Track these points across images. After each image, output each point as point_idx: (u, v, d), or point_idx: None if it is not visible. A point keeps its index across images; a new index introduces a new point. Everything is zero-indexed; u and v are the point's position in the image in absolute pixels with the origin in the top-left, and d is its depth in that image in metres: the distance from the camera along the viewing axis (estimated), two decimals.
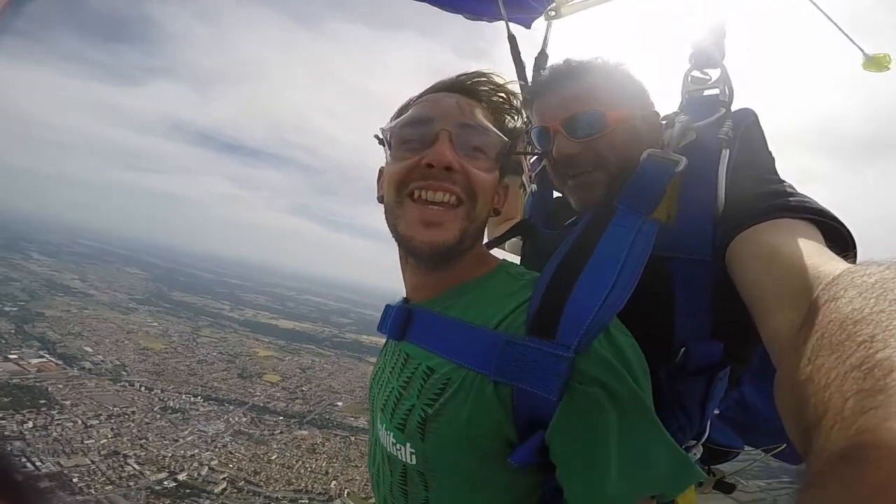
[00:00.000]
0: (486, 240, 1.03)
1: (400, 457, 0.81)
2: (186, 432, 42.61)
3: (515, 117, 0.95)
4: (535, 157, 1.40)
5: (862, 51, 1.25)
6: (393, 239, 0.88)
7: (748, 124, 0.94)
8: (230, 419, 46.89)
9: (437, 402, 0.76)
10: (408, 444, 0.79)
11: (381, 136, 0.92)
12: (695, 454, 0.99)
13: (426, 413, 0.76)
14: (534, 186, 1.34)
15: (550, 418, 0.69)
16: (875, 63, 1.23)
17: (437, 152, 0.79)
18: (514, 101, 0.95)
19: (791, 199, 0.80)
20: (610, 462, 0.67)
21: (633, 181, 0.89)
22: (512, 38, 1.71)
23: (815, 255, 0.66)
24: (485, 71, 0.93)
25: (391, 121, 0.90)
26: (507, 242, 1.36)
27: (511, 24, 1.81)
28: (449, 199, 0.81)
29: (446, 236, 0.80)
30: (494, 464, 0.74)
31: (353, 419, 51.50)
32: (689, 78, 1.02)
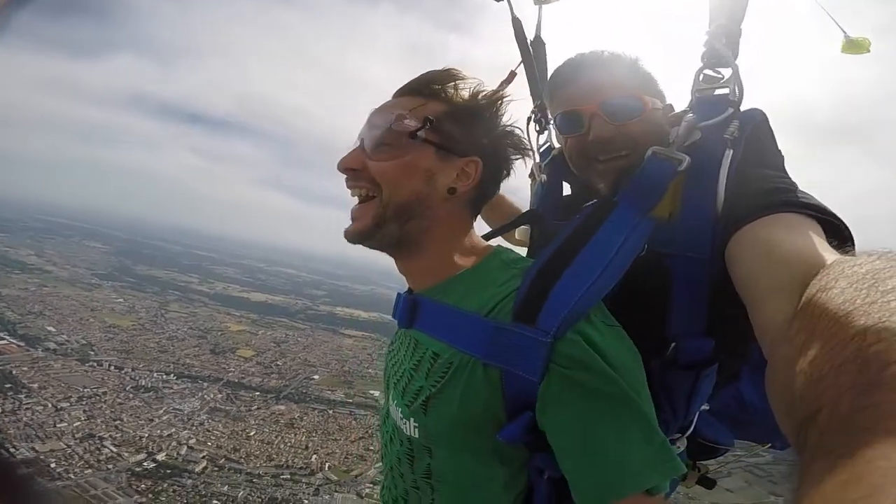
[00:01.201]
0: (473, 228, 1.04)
1: (405, 430, 0.91)
2: (161, 411, 42.15)
3: (443, 96, 0.95)
4: (545, 146, 1.44)
5: (844, 32, 1.22)
6: None
7: (756, 124, 0.95)
8: (205, 396, 46.50)
9: (440, 384, 0.84)
10: (412, 419, 0.88)
11: None
12: (678, 447, 1.06)
13: (430, 392, 0.85)
14: (543, 177, 1.36)
15: (535, 399, 0.76)
16: (856, 46, 1.23)
17: (340, 160, 0.93)
18: (458, 78, 0.96)
19: (790, 195, 0.82)
20: (585, 448, 0.74)
21: (636, 178, 0.91)
22: (517, 22, 1.61)
23: (811, 247, 0.66)
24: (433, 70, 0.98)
25: None
26: (518, 230, 1.40)
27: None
28: (362, 195, 0.93)
29: (359, 226, 0.92)
30: (486, 440, 0.81)
31: (329, 392, 51.86)
32: (701, 76, 1.02)
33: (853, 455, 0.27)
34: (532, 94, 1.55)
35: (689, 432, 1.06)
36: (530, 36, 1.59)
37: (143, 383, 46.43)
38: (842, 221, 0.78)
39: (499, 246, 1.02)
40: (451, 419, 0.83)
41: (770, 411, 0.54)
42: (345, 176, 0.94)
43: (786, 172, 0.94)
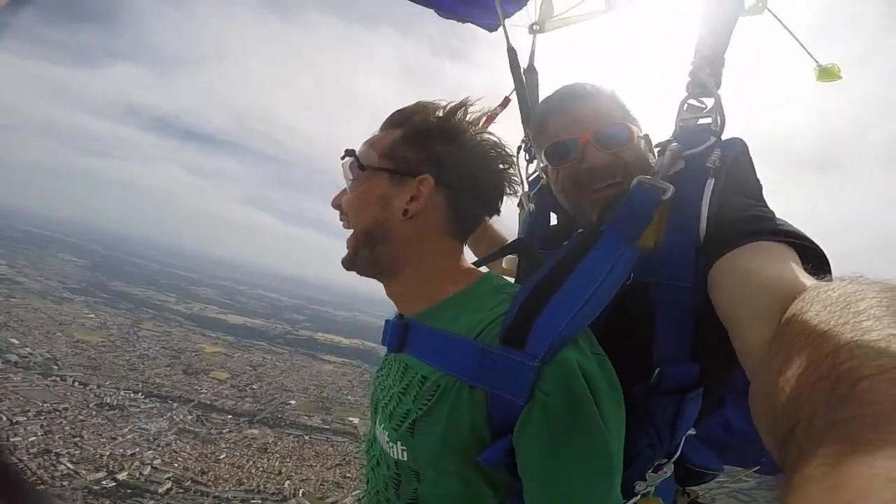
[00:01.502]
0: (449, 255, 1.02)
1: (392, 454, 0.89)
2: (126, 430, 39.99)
3: (405, 124, 0.96)
4: (535, 174, 1.48)
5: (816, 61, 1.28)
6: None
7: (737, 154, 0.98)
8: (174, 417, 44.47)
9: (427, 407, 0.83)
10: (399, 443, 0.87)
11: None
12: (665, 472, 1.04)
13: (418, 415, 0.84)
14: (531, 206, 1.37)
15: (516, 423, 0.76)
16: (828, 73, 1.28)
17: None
18: (404, 115, 0.97)
19: (768, 223, 0.85)
20: (547, 490, 0.75)
21: (622, 207, 0.91)
22: (511, 52, 1.72)
23: (788, 274, 0.70)
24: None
25: None
26: (505, 259, 1.37)
27: (481, 27, 1.94)
28: (347, 227, 0.98)
29: (345, 255, 0.98)
30: (473, 463, 0.80)
31: (307, 418, 50.33)
32: (685, 106, 1.04)
33: (834, 464, 0.28)
34: (524, 123, 1.59)
35: (675, 457, 1.05)
36: (524, 64, 1.68)
37: (109, 401, 44.24)
38: (818, 247, 0.81)
39: (489, 271, 1.02)
40: (438, 441, 0.81)
41: (756, 436, 0.56)
42: None
43: (764, 201, 0.97)
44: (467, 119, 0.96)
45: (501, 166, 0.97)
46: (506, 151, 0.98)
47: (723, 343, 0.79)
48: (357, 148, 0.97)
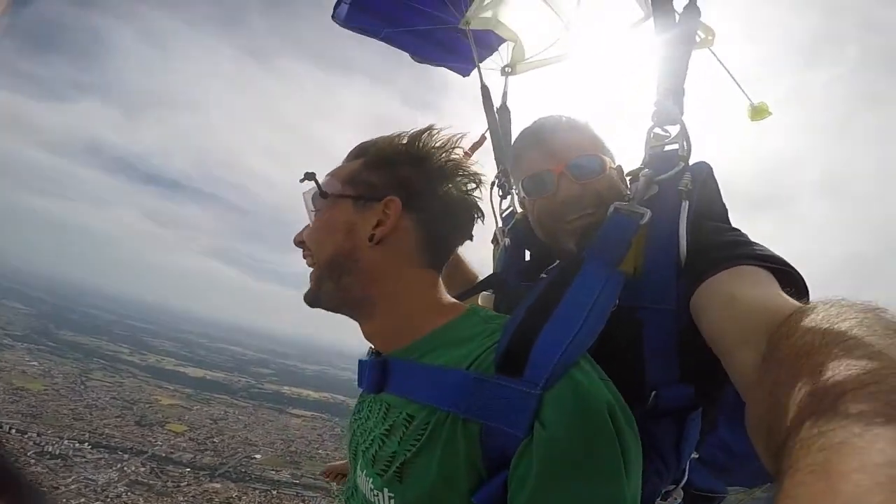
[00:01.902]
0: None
1: (378, 503, 0.79)
2: (70, 480, 35.25)
3: (367, 152, 0.93)
4: (509, 210, 1.54)
5: (749, 100, 1.34)
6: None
7: (704, 177, 1.01)
8: (125, 468, 39.70)
9: (416, 447, 0.75)
10: (386, 490, 0.78)
11: None
12: (675, 499, 1.01)
13: (405, 458, 0.75)
14: (507, 241, 1.38)
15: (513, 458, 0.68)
16: (758, 112, 1.33)
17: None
18: (367, 146, 0.95)
19: (747, 248, 0.87)
20: None
21: (601, 233, 0.91)
22: (485, 89, 1.84)
23: (772, 298, 0.71)
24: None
25: None
26: (481, 296, 1.32)
27: (455, 71, 2.13)
28: (309, 263, 0.92)
29: (307, 290, 0.91)
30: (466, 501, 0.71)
31: (274, 472, 46.09)
32: (652, 135, 1.07)
33: (821, 471, 0.30)
34: (496, 160, 1.69)
35: (683, 482, 1.03)
36: (497, 104, 1.80)
37: (51, 450, 39.40)
38: (795, 270, 0.83)
39: (474, 304, 0.97)
40: (432, 484, 0.72)
41: (753, 454, 0.57)
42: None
43: (730, 222, 1.03)
44: (433, 143, 0.91)
45: (470, 186, 0.93)
46: (473, 171, 0.93)
47: (711, 363, 0.79)
48: (320, 178, 0.92)
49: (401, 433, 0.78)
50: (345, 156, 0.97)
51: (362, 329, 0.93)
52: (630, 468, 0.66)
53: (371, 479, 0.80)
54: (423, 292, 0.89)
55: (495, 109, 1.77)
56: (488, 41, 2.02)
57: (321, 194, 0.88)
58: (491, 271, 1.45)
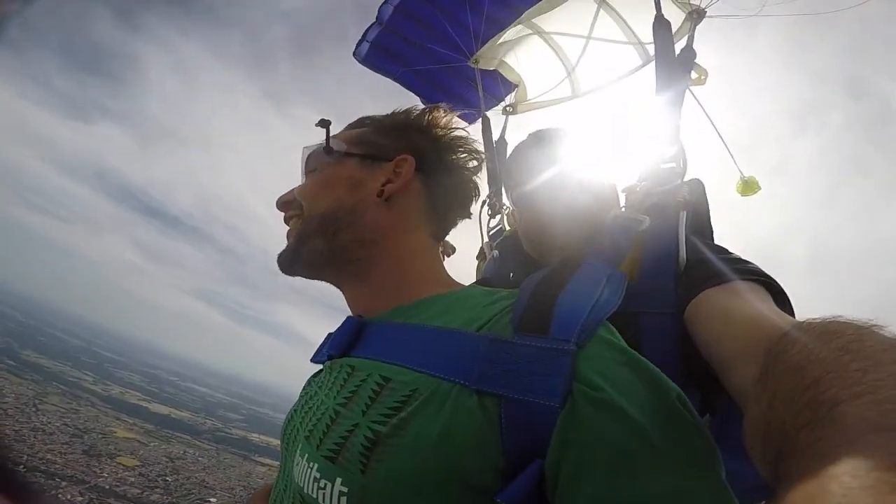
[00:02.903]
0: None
1: (322, 499, 0.56)
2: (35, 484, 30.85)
3: (397, 114, 0.92)
4: (497, 228, 1.62)
5: (741, 172, 1.32)
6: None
7: (698, 194, 1.05)
8: (60, 496, 35.17)
9: (394, 419, 0.56)
10: (337, 481, 0.55)
11: None
12: None
13: (376, 433, 0.56)
14: (496, 252, 1.40)
15: (550, 439, 0.51)
16: (749, 186, 1.31)
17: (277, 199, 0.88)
18: (371, 117, 0.94)
19: (741, 264, 0.88)
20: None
21: (599, 240, 0.90)
22: (485, 119, 2.01)
23: (767, 313, 0.72)
24: None
25: None
26: None
27: (461, 119, 1.93)
28: (290, 221, 0.84)
29: (284, 250, 0.83)
30: (472, 502, 0.52)
31: None
32: (649, 154, 1.12)
33: (817, 476, 0.30)
34: (488, 181, 1.79)
35: None
36: (496, 137, 1.98)
37: None
38: (780, 286, 0.85)
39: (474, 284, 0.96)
40: (416, 476, 0.52)
41: (739, 476, 0.57)
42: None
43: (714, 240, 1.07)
44: (441, 116, 0.91)
45: (473, 164, 0.92)
46: (475, 148, 0.92)
47: (708, 370, 0.77)
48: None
49: (366, 400, 0.60)
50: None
51: (347, 293, 0.84)
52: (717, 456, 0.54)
53: (316, 465, 0.59)
54: (425, 259, 0.83)
55: (493, 141, 1.94)
56: (496, 89, 2.17)
57: (325, 150, 0.83)
58: None
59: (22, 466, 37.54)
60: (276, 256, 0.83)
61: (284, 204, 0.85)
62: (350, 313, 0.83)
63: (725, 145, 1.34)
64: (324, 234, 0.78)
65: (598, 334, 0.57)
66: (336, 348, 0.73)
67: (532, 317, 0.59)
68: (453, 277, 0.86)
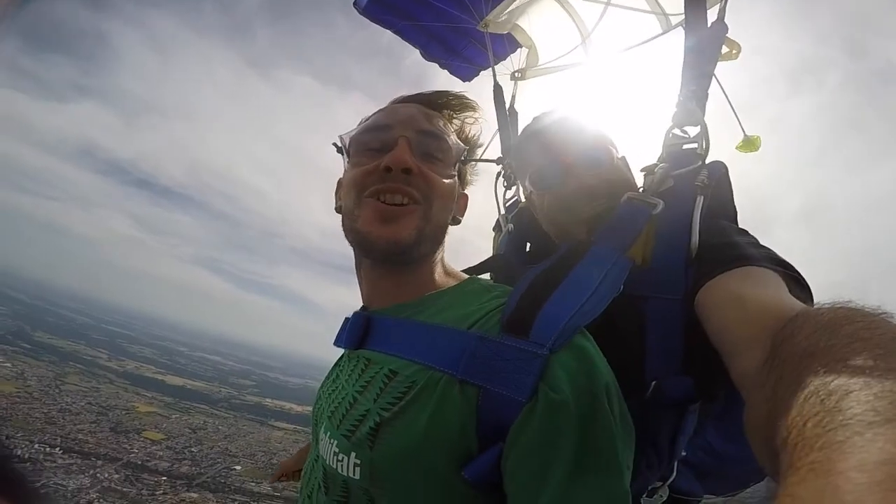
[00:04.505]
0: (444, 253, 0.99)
1: (341, 470, 0.70)
2: (39, 485, 33.59)
3: (473, 126, 0.97)
4: (513, 199, 1.61)
5: (743, 131, 1.31)
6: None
7: (720, 175, 1.02)
8: (98, 475, 38.17)
9: (396, 406, 0.68)
10: (352, 455, 0.69)
11: (339, 145, 0.93)
12: (661, 496, 0.99)
13: (382, 417, 0.68)
14: (511, 226, 1.41)
15: (509, 430, 0.62)
16: (750, 144, 1.30)
17: (394, 156, 0.80)
18: (474, 111, 0.97)
19: (757, 249, 0.87)
20: (548, 492, 0.59)
21: (612, 221, 0.91)
22: (497, 88, 1.90)
23: (779, 299, 0.71)
24: (444, 90, 0.97)
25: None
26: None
27: (456, 74, 2.22)
28: (406, 202, 0.81)
29: (402, 232, 0.79)
30: (454, 478, 0.64)
31: (254, 484, 44.44)
32: (671, 135, 1.08)
33: (824, 469, 0.30)
34: (503, 152, 1.73)
35: (670, 479, 1.00)
36: (506, 106, 1.88)
37: (19, 453, 37.57)
38: (801, 276, 0.83)
39: (475, 275, 1.01)
40: (411, 452, 0.65)
41: (738, 456, 0.54)
42: (383, 175, 0.82)
43: (738, 223, 1.05)
44: (474, 135, 0.98)
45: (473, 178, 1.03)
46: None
47: (711, 357, 0.77)
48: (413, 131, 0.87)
49: (377, 390, 0.72)
50: (334, 174, 0.98)
51: (371, 282, 0.89)
52: (626, 459, 0.63)
53: (336, 442, 0.72)
54: (443, 258, 0.93)
55: (507, 109, 1.84)
56: (501, 48, 2.09)
57: (457, 158, 0.90)
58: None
59: (59, 449, 40.52)
60: (376, 238, 0.80)
61: (405, 176, 0.81)
62: (358, 288, 0.93)
63: (732, 108, 1.30)
64: (430, 242, 0.84)
65: (572, 341, 0.65)
66: (351, 343, 0.84)
67: (517, 319, 0.68)
68: (456, 269, 0.96)
